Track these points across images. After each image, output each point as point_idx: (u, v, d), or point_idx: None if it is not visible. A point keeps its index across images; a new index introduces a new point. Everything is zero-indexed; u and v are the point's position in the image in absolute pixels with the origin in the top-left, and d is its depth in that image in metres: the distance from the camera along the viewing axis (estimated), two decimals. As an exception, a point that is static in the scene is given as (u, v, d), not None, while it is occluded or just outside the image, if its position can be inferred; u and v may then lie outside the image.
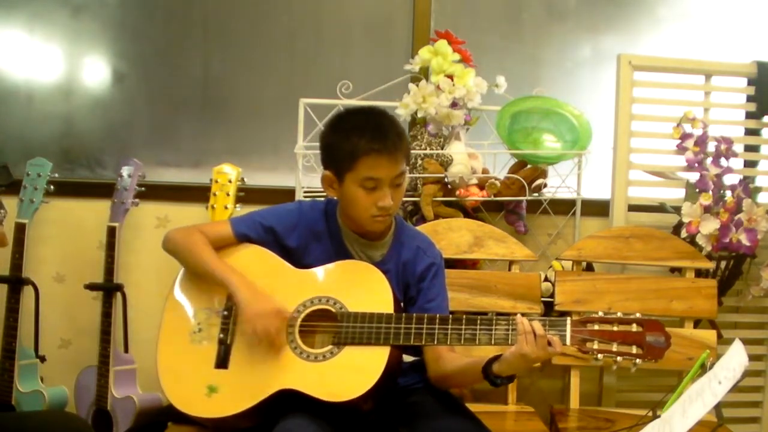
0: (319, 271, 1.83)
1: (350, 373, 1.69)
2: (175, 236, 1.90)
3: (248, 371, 1.75)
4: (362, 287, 1.78)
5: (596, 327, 1.61)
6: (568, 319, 1.64)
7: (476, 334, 1.68)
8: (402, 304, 1.85)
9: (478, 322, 1.69)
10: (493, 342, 1.67)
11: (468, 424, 1.75)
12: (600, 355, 1.60)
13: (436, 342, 1.71)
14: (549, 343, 1.61)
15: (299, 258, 1.87)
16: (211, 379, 1.76)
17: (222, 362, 1.78)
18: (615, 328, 1.61)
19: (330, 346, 1.73)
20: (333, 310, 1.76)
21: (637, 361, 1.59)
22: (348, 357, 1.71)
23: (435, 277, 1.89)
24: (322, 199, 1.94)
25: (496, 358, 1.68)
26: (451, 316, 1.72)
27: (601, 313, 1.63)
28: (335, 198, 1.85)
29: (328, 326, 1.76)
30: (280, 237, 1.88)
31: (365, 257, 1.87)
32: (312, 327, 1.78)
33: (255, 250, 1.88)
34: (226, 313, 1.82)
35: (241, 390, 1.73)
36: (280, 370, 1.72)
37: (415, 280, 1.88)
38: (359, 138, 1.72)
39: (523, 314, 1.67)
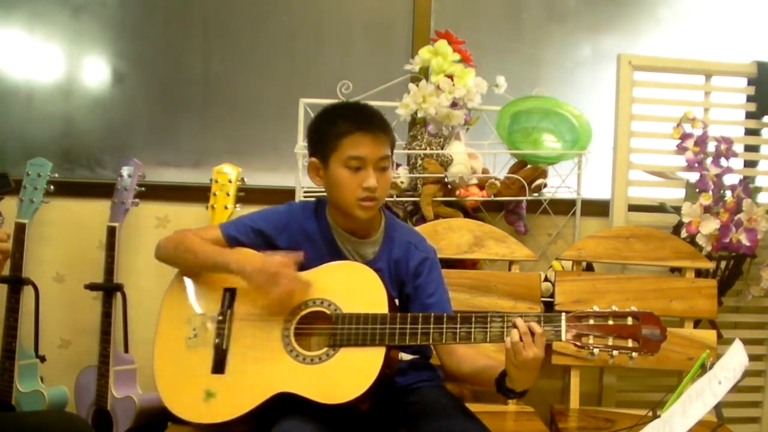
0: (313, 273, 1.82)
1: (347, 375, 1.68)
2: (167, 242, 1.91)
3: (244, 375, 1.74)
4: (356, 288, 1.78)
5: (591, 322, 1.61)
6: (563, 314, 1.63)
7: (471, 332, 1.68)
8: (397, 301, 1.84)
9: (473, 320, 1.68)
10: (488, 340, 1.67)
11: (468, 424, 1.75)
12: (596, 350, 1.59)
13: (431, 341, 1.71)
14: (532, 334, 1.60)
15: None
16: (208, 385, 1.75)
17: (218, 367, 1.77)
18: (610, 323, 1.60)
19: (326, 348, 1.73)
20: (328, 312, 1.76)
21: (634, 354, 1.58)
22: (344, 359, 1.71)
23: (431, 272, 1.89)
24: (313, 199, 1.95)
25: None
26: (445, 314, 1.72)
27: (596, 308, 1.63)
28: (322, 186, 1.86)
29: (323, 328, 1.76)
30: (270, 238, 1.88)
31: (357, 255, 1.87)
32: (307, 329, 1.78)
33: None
34: (221, 317, 1.81)
35: (238, 394, 1.72)
36: (275, 373, 1.72)
37: (410, 276, 1.88)
38: (344, 120, 1.78)
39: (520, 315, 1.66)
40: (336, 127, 1.78)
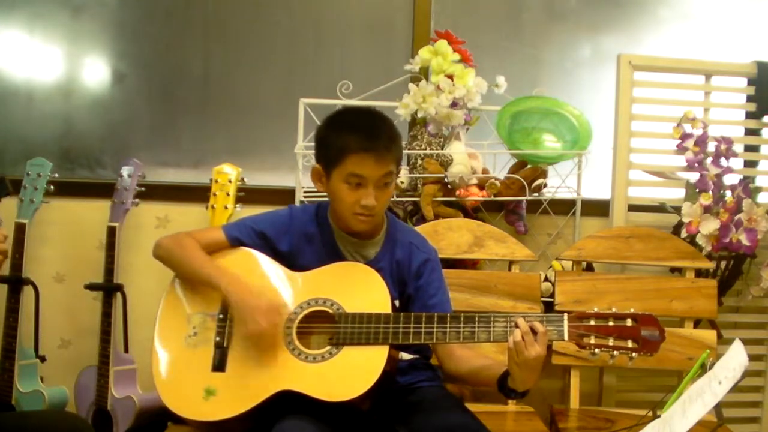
0: (315, 273, 1.83)
1: (350, 373, 1.69)
2: (164, 242, 1.91)
3: (246, 373, 1.74)
4: (358, 288, 1.78)
5: (592, 322, 1.64)
6: (565, 315, 1.65)
7: (475, 331, 1.69)
8: (398, 302, 1.85)
9: (476, 319, 1.69)
10: (492, 339, 1.68)
11: (467, 421, 1.75)
12: (597, 350, 1.62)
13: (435, 340, 1.72)
14: (534, 333, 1.62)
15: (292, 261, 1.87)
16: (208, 383, 1.75)
17: (219, 365, 1.77)
18: (611, 323, 1.63)
19: (328, 347, 1.73)
20: (330, 311, 1.76)
21: (633, 355, 1.62)
22: (347, 357, 1.71)
23: (432, 273, 1.90)
24: (314, 201, 1.95)
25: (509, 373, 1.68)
26: (448, 314, 1.73)
27: (596, 309, 1.65)
28: (324, 193, 1.86)
29: (325, 327, 1.76)
30: (272, 241, 1.88)
31: (358, 257, 1.88)
32: (309, 329, 1.78)
33: (249, 253, 1.88)
34: (221, 316, 1.82)
35: (239, 392, 1.72)
36: (278, 371, 1.72)
37: (412, 277, 1.88)
38: (350, 135, 1.75)
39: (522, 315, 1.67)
40: (341, 139, 1.75)
